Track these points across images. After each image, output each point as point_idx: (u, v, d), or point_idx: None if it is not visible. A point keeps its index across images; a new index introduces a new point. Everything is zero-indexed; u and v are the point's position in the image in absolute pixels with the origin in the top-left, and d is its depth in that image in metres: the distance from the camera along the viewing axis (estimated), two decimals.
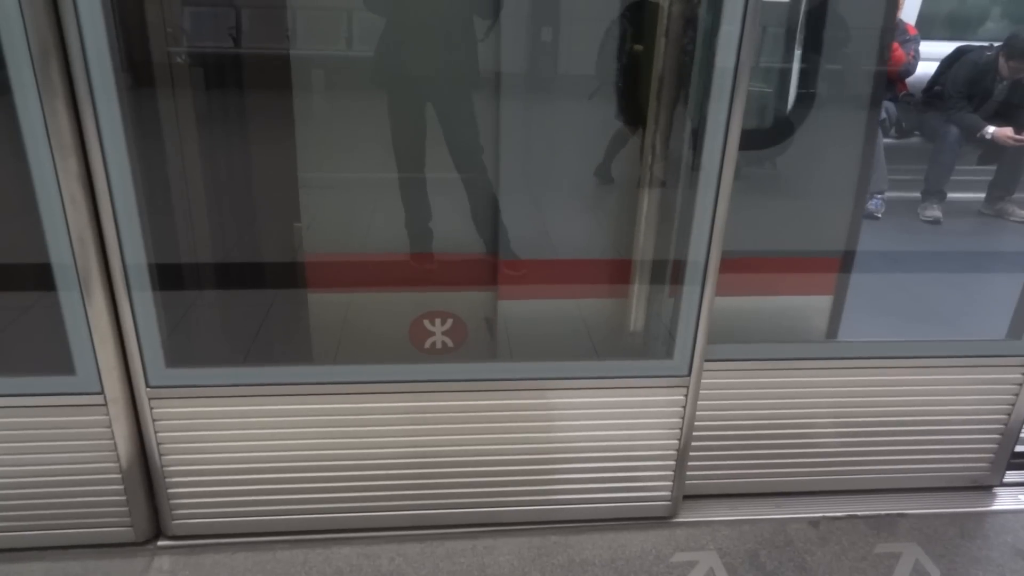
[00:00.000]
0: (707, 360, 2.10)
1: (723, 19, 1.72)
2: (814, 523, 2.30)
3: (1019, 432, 2.41)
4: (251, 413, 1.98)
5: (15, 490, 1.97)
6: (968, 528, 2.31)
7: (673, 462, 2.20)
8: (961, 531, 2.29)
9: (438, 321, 2.03)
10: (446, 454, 2.11)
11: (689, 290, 1.99)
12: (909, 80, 4.21)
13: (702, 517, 2.30)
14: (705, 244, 1.94)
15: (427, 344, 2.04)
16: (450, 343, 2.05)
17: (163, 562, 2.05)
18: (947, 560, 2.17)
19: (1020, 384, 2.31)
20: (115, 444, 1.94)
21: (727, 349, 2.14)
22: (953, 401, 2.33)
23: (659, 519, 2.28)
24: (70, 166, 1.65)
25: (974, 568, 2.15)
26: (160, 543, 2.11)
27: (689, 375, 2.08)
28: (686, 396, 2.10)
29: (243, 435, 2.01)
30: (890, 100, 4.16)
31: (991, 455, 2.43)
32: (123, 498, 2.01)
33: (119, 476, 1.98)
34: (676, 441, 2.17)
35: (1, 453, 1.92)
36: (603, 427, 2.13)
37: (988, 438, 2.40)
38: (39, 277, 1.77)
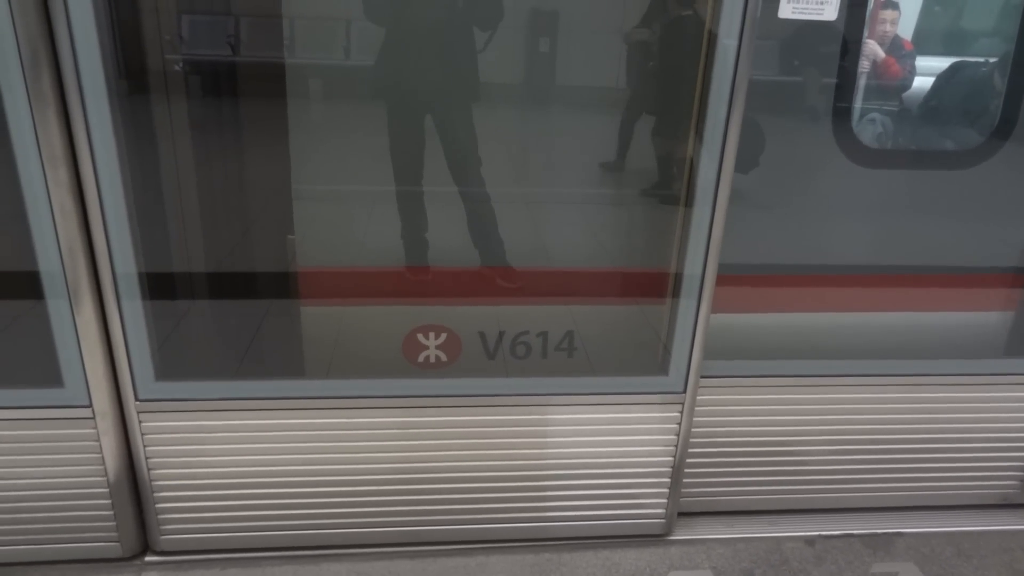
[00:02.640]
0: (703, 376, 2.08)
1: (720, 34, 1.71)
2: (810, 541, 2.28)
3: None
4: (242, 427, 1.96)
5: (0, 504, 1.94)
6: (965, 547, 2.29)
7: (668, 479, 2.17)
8: (958, 550, 2.27)
9: (432, 335, 2.00)
10: (439, 470, 2.08)
11: (685, 304, 1.98)
12: (905, 95, 4.21)
13: (697, 535, 2.27)
14: (702, 258, 1.93)
15: (420, 358, 2.02)
16: (444, 357, 2.03)
17: None
18: None
19: None
20: (103, 458, 1.91)
21: (723, 365, 2.12)
22: (973, 420, 2.31)
23: (654, 537, 2.25)
24: (60, 176, 1.63)
25: None
26: (147, 558, 2.07)
27: (685, 391, 2.06)
28: (681, 412, 2.08)
29: (234, 450, 1.98)
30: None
31: (1022, 473, 2.41)
32: (110, 512, 1.98)
33: (106, 490, 1.95)
34: (671, 458, 2.15)
35: None
36: (598, 443, 2.11)
37: (1018, 456, 2.39)
38: (27, 286, 1.74)
